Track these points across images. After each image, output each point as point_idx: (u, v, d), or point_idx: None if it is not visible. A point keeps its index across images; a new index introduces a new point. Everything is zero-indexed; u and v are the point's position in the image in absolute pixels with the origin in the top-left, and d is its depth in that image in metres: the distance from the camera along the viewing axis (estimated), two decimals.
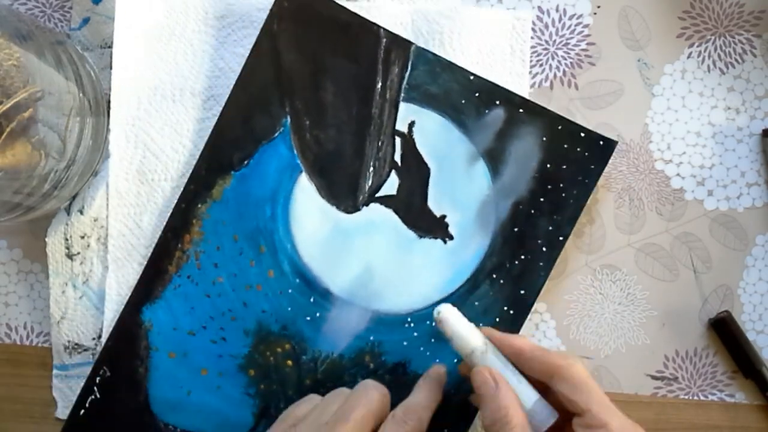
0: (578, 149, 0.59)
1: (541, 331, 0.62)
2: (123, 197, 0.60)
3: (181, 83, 0.61)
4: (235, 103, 0.60)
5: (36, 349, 0.62)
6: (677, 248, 0.62)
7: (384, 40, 0.60)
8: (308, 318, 0.59)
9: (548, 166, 0.59)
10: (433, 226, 0.60)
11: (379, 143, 0.60)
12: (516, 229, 0.59)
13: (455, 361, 0.58)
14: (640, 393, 0.62)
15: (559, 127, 0.59)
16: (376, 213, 0.60)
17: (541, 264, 0.59)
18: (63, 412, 0.61)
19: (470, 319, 0.53)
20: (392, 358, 0.59)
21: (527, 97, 0.60)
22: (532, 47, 0.62)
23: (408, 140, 0.60)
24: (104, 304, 0.60)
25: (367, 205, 0.60)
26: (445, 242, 0.60)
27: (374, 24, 0.60)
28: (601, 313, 0.62)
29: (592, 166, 0.59)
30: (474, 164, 0.59)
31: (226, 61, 0.61)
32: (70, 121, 0.55)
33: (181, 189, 0.60)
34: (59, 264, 0.61)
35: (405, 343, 0.59)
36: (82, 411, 0.59)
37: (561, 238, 0.59)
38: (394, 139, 0.60)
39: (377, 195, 0.60)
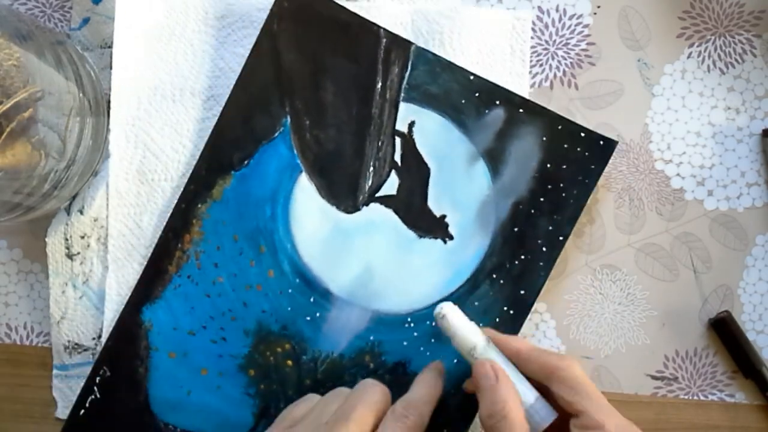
0: (578, 149, 0.59)
1: (541, 331, 0.62)
2: (123, 197, 0.60)
3: (181, 83, 0.61)
4: (235, 103, 0.60)
5: (36, 349, 0.62)
6: (677, 248, 0.62)
7: (384, 40, 0.60)
8: (308, 318, 0.59)
9: (548, 166, 0.59)
10: (433, 226, 0.60)
11: (379, 143, 0.60)
12: (516, 229, 0.59)
13: (455, 361, 0.58)
14: (640, 393, 0.62)
15: (559, 127, 0.59)
16: (376, 213, 0.60)
17: (541, 264, 0.59)
18: (63, 412, 0.61)
19: (470, 319, 0.53)
20: (392, 358, 0.59)
21: (527, 97, 0.60)
22: (532, 47, 0.62)
23: (408, 140, 0.60)
24: (104, 304, 0.60)
25: (367, 205, 0.60)
26: (445, 242, 0.60)
27: (374, 24, 0.60)
28: (601, 313, 0.62)
29: (592, 166, 0.59)
30: (474, 164, 0.59)
31: (226, 61, 0.61)
32: (70, 121, 0.55)
33: (181, 189, 0.60)
34: (59, 264, 0.61)
35: (405, 343, 0.59)
36: (82, 411, 0.59)
37: (561, 238, 0.59)
38: (394, 139, 0.60)
39: (377, 195, 0.60)
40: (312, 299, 0.59)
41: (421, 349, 0.59)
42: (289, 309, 0.59)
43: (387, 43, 0.60)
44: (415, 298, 0.59)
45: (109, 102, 0.61)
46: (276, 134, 0.60)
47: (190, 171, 0.60)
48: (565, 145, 0.59)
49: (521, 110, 0.59)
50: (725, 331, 0.61)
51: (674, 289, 0.62)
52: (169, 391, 0.59)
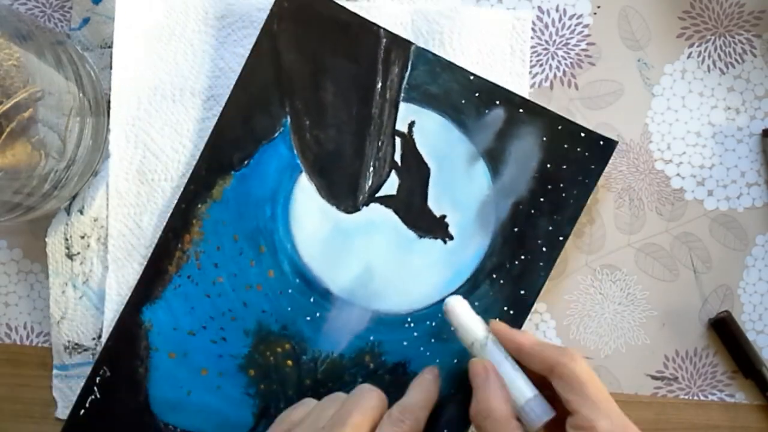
0: (578, 149, 0.59)
1: (541, 331, 0.62)
2: (123, 197, 0.60)
3: (181, 83, 0.61)
4: (235, 103, 0.60)
5: (36, 349, 0.62)
6: (677, 248, 0.62)
7: (384, 40, 0.60)
8: (308, 318, 0.59)
9: (548, 166, 0.59)
10: (433, 226, 0.60)
11: (379, 143, 0.60)
12: (516, 229, 0.59)
13: (455, 360, 0.58)
14: (640, 393, 0.62)
15: (559, 127, 0.59)
16: (376, 213, 0.60)
17: (541, 264, 0.59)
18: (63, 412, 0.61)
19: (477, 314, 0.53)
20: (392, 358, 0.59)
21: (527, 97, 0.60)
22: (532, 47, 0.62)
23: (408, 140, 0.60)
24: (104, 304, 0.60)
25: (367, 205, 0.60)
26: (445, 242, 0.60)
27: (374, 24, 0.60)
28: (601, 313, 0.62)
29: (592, 166, 0.59)
30: (474, 164, 0.59)
31: (226, 61, 0.61)
32: (70, 121, 0.55)
33: (181, 189, 0.60)
34: (59, 264, 0.61)
35: (405, 343, 0.59)
36: (82, 411, 0.59)
37: (561, 238, 0.59)
38: (394, 139, 0.60)
39: (377, 195, 0.60)
40: (312, 299, 0.59)
41: (421, 349, 0.59)
42: (289, 309, 0.59)
43: (387, 43, 0.60)
44: (415, 298, 0.59)
45: (109, 102, 0.61)
46: (276, 134, 0.60)
47: (190, 171, 0.60)
48: (565, 145, 0.59)
49: (521, 110, 0.59)
50: (725, 331, 0.61)
51: (674, 289, 0.62)
52: (169, 392, 0.59)
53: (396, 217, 0.60)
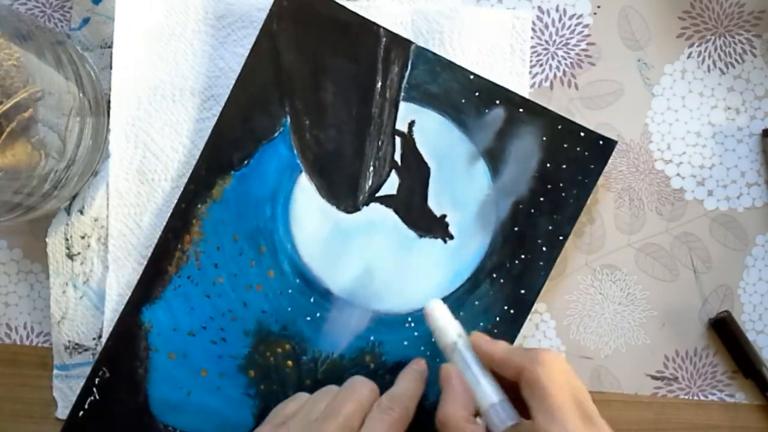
0: (578, 149, 0.59)
1: (541, 331, 0.62)
2: (123, 197, 0.60)
3: (181, 83, 0.61)
4: (235, 103, 0.60)
5: (36, 349, 0.62)
6: (677, 248, 0.62)
7: (384, 39, 0.60)
8: (308, 318, 0.59)
9: (548, 165, 0.59)
10: (433, 226, 0.60)
11: (379, 143, 0.60)
12: (516, 229, 0.59)
13: None
14: (640, 393, 0.62)
15: (559, 127, 0.59)
16: (376, 213, 0.60)
17: (541, 263, 0.59)
18: (63, 412, 0.61)
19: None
20: (393, 358, 0.59)
21: (527, 96, 0.60)
22: (532, 47, 0.62)
23: (408, 140, 0.60)
24: (105, 304, 0.60)
25: (367, 204, 0.60)
26: (445, 242, 0.60)
27: (374, 23, 0.60)
28: (601, 313, 0.62)
29: (592, 166, 0.59)
30: (474, 164, 0.59)
31: (226, 61, 0.61)
32: (70, 121, 0.55)
33: (181, 189, 0.60)
34: (60, 264, 0.61)
35: (405, 343, 0.59)
36: (81, 412, 0.59)
37: (561, 238, 0.59)
38: (394, 138, 0.60)
39: (377, 195, 0.60)
40: (312, 299, 0.59)
41: (422, 349, 0.59)
42: (289, 309, 0.59)
43: (387, 43, 0.60)
44: (416, 298, 0.59)
45: (109, 102, 0.61)
46: (276, 134, 0.60)
47: (190, 171, 0.60)
48: (565, 145, 0.59)
49: (521, 110, 0.59)
50: (725, 331, 0.61)
51: (674, 289, 0.62)
52: (169, 392, 0.59)
53: (396, 217, 0.60)
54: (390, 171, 0.60)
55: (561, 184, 0.59)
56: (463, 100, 0.59)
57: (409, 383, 0.54)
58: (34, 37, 0.54)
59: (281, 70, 0.60)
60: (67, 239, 0.60)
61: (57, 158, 0.54)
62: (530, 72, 0.62)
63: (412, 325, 0.59)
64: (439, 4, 0.61)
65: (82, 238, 0.61)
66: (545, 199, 0.59)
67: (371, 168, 0.60)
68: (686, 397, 0.62)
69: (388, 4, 0.61)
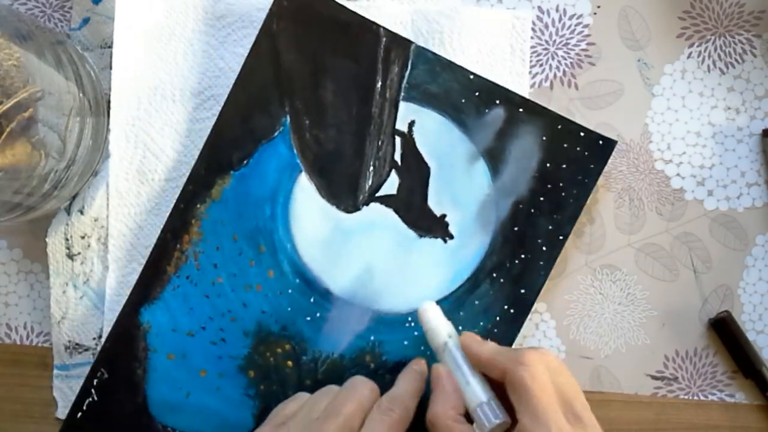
0: (578, 149, 0.59)
1: (541, 331, 0.62)
2: (123, 197, 0.60)
3: (181, 83, 0.61)
4: (235, 102, 0.60)
5: (36, 349, 0.62)
6: (677, 248, 0.62)
7: (384, 39, 0.60)
8: (308, 318, 0.59)
9: (548, 165, 0.59)
10: (433, 226, 0.60)
11: (379, 143, 0.60)
12: (516, 229, 0.59)
13: None
14: (640, 393, 0.62)
15: (559, 127, 0.59)
16: (377, 212, 0.60)
17: (541, 263, 0.59)
18: (63, 412, 0.61)
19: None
20: (393, 358, 0.59)
21: (527, 96, 0.60)
22: (532, 47, 0.62)
23: (408, 139, 0.60)
24: (105, 304, 0.60)
25: (367, 204, 0.60)
26: (445, 241, 0.60)
27: (374, 23, 0.60)
28: (601, 313, 0.62)
29: (592, 166, 0.59)
30: (474, 163, 0.59)
31: (226, 61, 0.61)
32: (70, 121, 0.55)
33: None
34: (60, 264, 0.61)
35: (406, 343, 0.59)
36: (80, 414, 0.59)
37: (561, 238, 0.59)
38: (394, 138, 0.60)
39: (377, 194, 0.60)
40: (312, 299, 0.59)
41: (422, 348, 0.59)
42: (289, 309, 0.59)
43: (387, 43, 0.60)
44: (416, 298, 0.59)
45: (109, 102, 0.61)
46: (276, 134, 0.60)
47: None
48: (565, 145, 0.59)
49: (521, 110, 0.59)
50: (725, 331, 0.61)
51: (674, 289, 0.62)
52: (168, 393, 0.59)
53: (396, 217, 0.60)
54: (390, 171, 0.60)
55: (561, 184, 0.59)
56: (463, 100, 0.59)
57: (409, 384, 0.54)
58: (34, 37, 0.54)
59: (281, 70, 0.60)
60: (67, 239, 0.60)
61: (57, 158, 0.54)
62: (530, 72, 0.62)
63: (412, 324, 0.59)
64: (439, 4, 0.61)
65: (82, 238, 0.60)
66: (545, 199, 0.59)
67: (371, 168, 0.60)
68: (686, 397, 0.62)
69: (388, 4, 0.61)
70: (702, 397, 0.62)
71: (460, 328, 0.57)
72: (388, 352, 0.59)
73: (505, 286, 0.59)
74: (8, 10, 0.57)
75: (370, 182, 0.60)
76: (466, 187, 0.60)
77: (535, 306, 0.60)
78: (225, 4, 0.61)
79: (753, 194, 0.62)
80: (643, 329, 0.62)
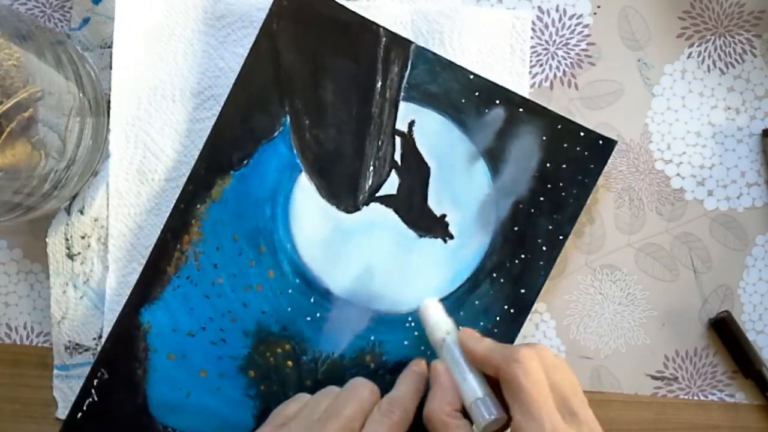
0: (578, 149, 0.59)
1: (541, 331, 0.62)
2: (123, 197, 0.60)
3: (181, 83, 0.61)
4: (235, 102, 0.60)
5: (36, 349, 0.62)
6: (677, 248, 0.62)
7: (384, 39, 0.60)
8: (308, 318, 0.59)
9: (548, 165, 0.59)
10: (433, 226, 0.60)
11: (379, 143, 0.60)
12: (516, 229, 0.59)
13: None
14: (640, 393, 0.62)
15: (559, 127, 0.59)
16: (377, 212, 0.60)
17: (541, 263, 0.59)
18: (63, 412, 0.61)
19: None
20: (393, 358, 0.59)
21: (527, 96, 0.60)
22: (532, 47, 0.62)
23: (408, 139, 0.60)
24: (105, 304, 0.60)
25: (367, 204, 0.60)
26: (445, 241, 0.59)
27: (374, 23, 0.60)
28: (601, 313, 0.62)
29: (592, 166, 0.59)
30: (474, 163, 0.59)
31: (226, 61, 0.61)
32: (70, 121, 0.55)
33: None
34: (60, 264, 0.61)
35: (406, 343, 0.59)
36: (80, 414, 0.59)
37: (561, 238, 0.59)
38: (394, 138, 0.60)
39: (377, 194, 0.60)
40: (312, 299, 0.59)
41: (422, 348, 0.59)
42: (289, 309, 0.59)
43: (387, 42, 0.60)
44: (416, 298, 0.59)
45: (109, 102, 0.61)
46: (275, 134, 0.60)
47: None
48: (565, 145, 0.59)
49: (521, 110, 0.59)
50: (725, 331, 0.61)
51: (674, 289, 0.62)
52: (168, 393, 0.59)
53: (396, 217, 0.60)
54: (390, 171, 0.60)
55: (561, 184, 0.59)
56: (463, 100, 0.59)
57: (408, 386, 0.54)
58: (34, 37, 0.54)
59: (281, 70, 0.60)
60: (67, 239, 0.60)
61: (57, 158, 0.54)
62: (530, 72, 0.62)
63: (413, 324, 0.59)
64: (439, 4, 0.61)
65: (82, 238, 0.60)
66: (545, 199, 0.59)
67: (371, 168, 0.60)
68: (686, 397, 0.62)
69: (388, 4, 0.61)
70: (702, 397, 0.62)
71: (460, 328, 0.57)
72: (388, 352, 0.59)
73: (505, 286, 0.59)
74: (8, 10, 0.57)
75: (370, 182, 0.60)
76: (466, 187, 0.59)
77: (535, 306, 0.60)
78: (225, 4, 0.61)
79: (753, 194, 0.62)
80: (643, 329, 0.62)
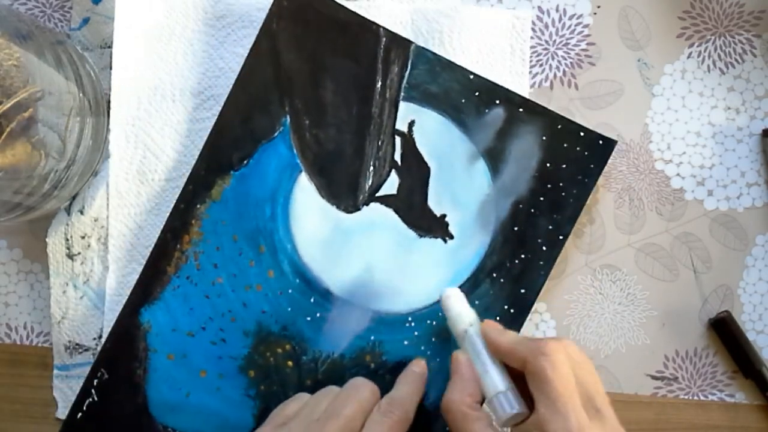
0: (578, 148, 0.59)
1: (541, 331, 0.62)
2: (123, 197, 0.60)
3: (181, 83, 0.61)
4: (235, 102, 0.60)
5: (36, 349, 0.62)
6: (677, 248, 0.62)
7: (384, 39, 0.60)
8: (308, 318, 0.59)
9: (548, 165, 0.59)
10: (433, 226, 0.60)
11: (379, 142, 0.60)
12: (516, 228, 0.59)
13: None
14: (640, 393, 0.62)
15: (559, 127, 0.59)
16: (377, 212, 0.60)
17: (541, 263, 0.59)
18: (63, 412, 0.61)
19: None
20: (393, 358, 0.59)
21: (527, 96, 0.60)
22: (532, 47, 0.62)
23: (408, 139, 0.60)
24: (105, 304, 0.60)
25: (367, 204, 0.60)
26: (445, 241, 0.59)
27: (374, 23, 0.60)
28: (601, 313, 0.62)
29: (592, 166, 0.59)
30: (474, 163, 0.59)
31: (226, 61, 0.61)
32: (70, 121, 0.55)
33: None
34: (60, 264, 0.61)
35: (406, 343, 0.59)
36: (80, 414, 0.59)
37: (561, 238, 0.59)
38: (394, 138, 0.60)
39: (377, 194, 0.60)
40: (312, 299, 0.59)
41: (422, 348, 0.59)
42: (289, 309, 0.59)
43: (387, 42, 0.60)
44: (416, 298, 0.59)
45: (109, 102, 0.60)
46: (276, 134, 0.60)
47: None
48: (565, 145, 0.59)
49: (521, 109, 0.59)
50: (725, 331, 0.61)
51: (674, 289, 0.62)
52: (168, 393, 0.59)
53: (396, 217, 0.60)
54: (390, 171, 0.60)
55: (561, 184, 0.59)
56: (463, 100, 0.59)
57: (408, 386, 0.54)
58: (34, 37, 0.54)
59: (281, 70, 0.60)
60: (67, 239, 0.60)
61: (57, 158, 0.54)
62: (530, 72, 0.62)
63: (413, 324, 0.59)
64: (438, 4, 0.61)
65: (82, 238, 0.60)
66: (545, 199, 0.59)
67: (371, 168, 0.60)
68: (686, 397, 0.62)
69: (388, 4, 0.61)
70: (702, 397, 0.62)
71: (484, 320, 0.56)
72: (388, 351, 0.59)
73: (505, 286, 0.59)
74: (8, 10, 0.57)
75: (370, 182, 0.60)
76: (466, 187, 0.60)
77: (535, 306, 0.60)
78: (225, 4, 0.61)
79: (753, 194, 0.62)
80: (643, 329, 0.62)
